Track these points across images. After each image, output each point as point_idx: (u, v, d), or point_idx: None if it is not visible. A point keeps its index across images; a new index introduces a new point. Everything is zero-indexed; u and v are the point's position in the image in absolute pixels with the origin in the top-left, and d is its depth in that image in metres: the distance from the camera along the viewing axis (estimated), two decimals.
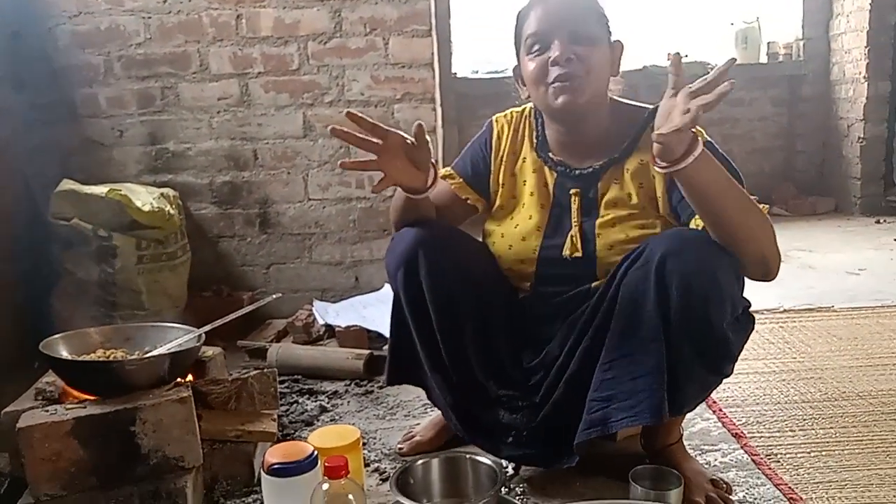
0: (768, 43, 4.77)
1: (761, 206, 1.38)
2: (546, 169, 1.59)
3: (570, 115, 1.49)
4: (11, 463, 1.49)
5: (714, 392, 1.89)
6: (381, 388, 2.09)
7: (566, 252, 1.51)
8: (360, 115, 1.43)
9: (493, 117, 1.68)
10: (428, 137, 1.45)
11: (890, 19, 4.29)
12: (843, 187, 4.61)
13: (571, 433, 1.42)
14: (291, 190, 2.72)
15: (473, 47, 4.88)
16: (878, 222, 4.23)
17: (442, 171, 1.68)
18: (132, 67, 2.62)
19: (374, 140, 1.44)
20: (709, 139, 1.43)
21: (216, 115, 2.67)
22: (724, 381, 1.45)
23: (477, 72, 4.66)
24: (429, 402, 1.88)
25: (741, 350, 1.41)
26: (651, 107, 1.53)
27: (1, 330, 2.22)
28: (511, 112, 1.67)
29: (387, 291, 2.64)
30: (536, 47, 1.47)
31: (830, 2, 4.65)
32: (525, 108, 1.66)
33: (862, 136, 4.40)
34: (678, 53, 1.25)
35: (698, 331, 1.30)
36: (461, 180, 1.67)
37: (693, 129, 1.25)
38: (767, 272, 1.37)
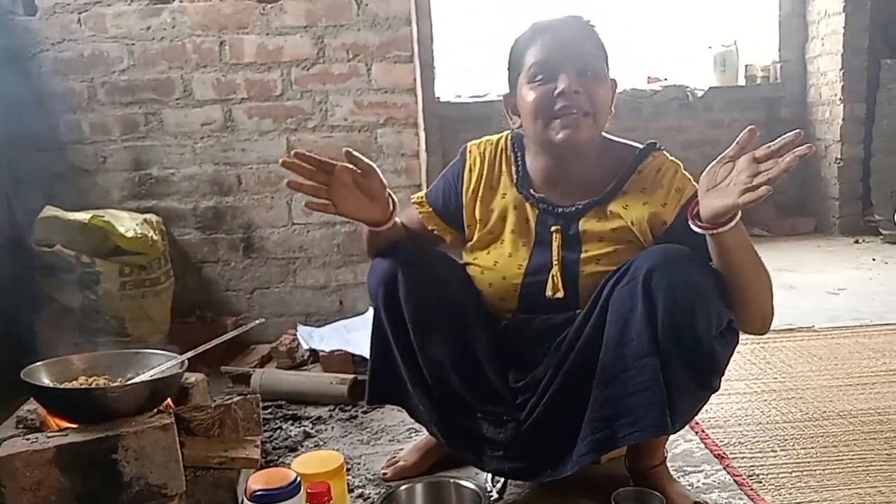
0: (746, 66, 4.85)
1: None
2: (527, 205, 1.55)
3: (567, 151, 1.46)
4: None
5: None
6: (365, 412, 2.08)
7: (548, 293, 1.50)
8: (306, 153, 1.43)
9: (467, 146, 1.65)
10: (374, 167, 1.45)
11: (863, 42, 4.38)
12: (823, 208, 4.67)
13: (557, 446, 1.44)
14: (275, 214, 2.73)
15: (457, 71, 4.94)
16: (856, 242, 4.29)
17: (415, 197, 1.68)
18: (115, 94, 2.63)
19: (323, 172, 1.44)
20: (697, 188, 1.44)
21: (200, 141, 2.68)
22: (708, 402, 1.47)
23: (460, 96, 4.70)
24: (413, 426, 1.89)
25: (727, 363, 1.43)
26: (640, 146, 1.53)
27: None
28: (485, 141, 1.64)
29: (371, 315, 2.65)
30: (540, 77, 1.44)
31: (806, 25, 4.75)
32: (501, 137, 1.63)
33: (839, 157, 4.48)
34: (754, 129, 1.27)
35: (687, 344, 1.32)
36: (430, 210, 1.65)
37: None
38: (763, 328, 1.42)
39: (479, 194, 1.60)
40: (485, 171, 1.60)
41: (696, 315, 1.30)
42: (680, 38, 5.10)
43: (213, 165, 2.69)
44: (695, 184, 1.45)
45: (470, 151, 1.64)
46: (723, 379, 1.44)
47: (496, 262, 1.56)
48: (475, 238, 1.60)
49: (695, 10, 5.10)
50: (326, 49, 2.65)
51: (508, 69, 1.54)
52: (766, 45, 4.89)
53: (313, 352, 2.44)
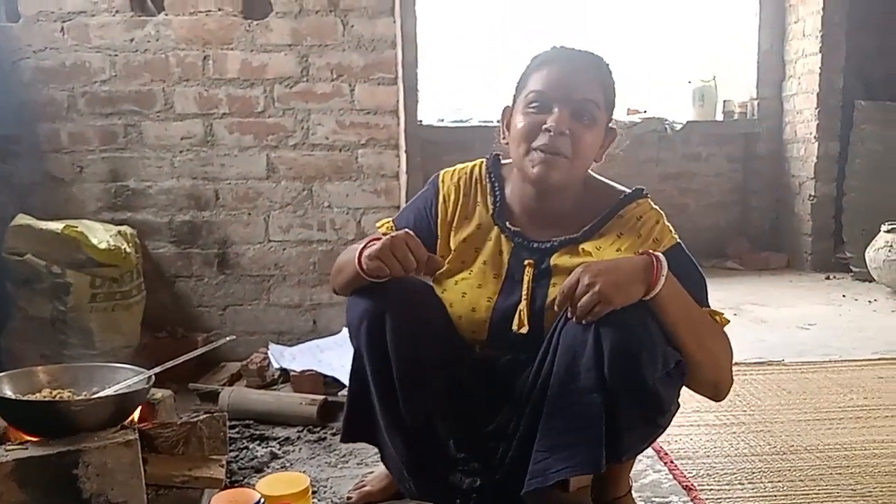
0: (724, 101, 4.94)
1: (721, 318, 1.43)
2: (503, 237, 1.53)
3: (539, 187, 1.46)
4: None
5: (665, 444, 1.93)
6: (334, 434, 2.06)
7: (514, 327, 1.47)
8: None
9: (439, 176, 1.61)
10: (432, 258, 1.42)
11: (838, 82, 4.48)
12: (795, 243, 4.74)
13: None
14: (252, 231, 2.71)
15: (440, 96, 4.98)
16: (828, 278, 4.35)
17: (381, 223, 1.63)
18: (96, 104, 2.62)
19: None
20: (677, 240, 1.47)
21: (179, 154, 2.66)
22: (676, 433, 1.47)
23: (442, 120, 4.74)
24: None
25: (675, 402, 1.42)
26: (627, 191, 1.52)
27: None
28: (458, 170, 1.60)
29: (345, 335, 2.63)
30: (535, 105, 1.42)
31: (784, 64, 4.84)
32: (475, 165, 1.61)
33: (813, 193, 4.55)
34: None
35: (632, 384, 1.30)
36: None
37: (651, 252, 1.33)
38: (717, 395, 1.44)
39: (454, 224, 1.57)
40: (460, 201, 1.57)
41: (641, 357, 1.28)
42: (660, 72, 5.18)
43: (192, 180, 2.68)
44: (674, 235, 1.47)
45: (443, 181, 1.60)
46: (692, 411, 1.44)
47: (464, 294, 1.53)
48: (444, 267, 1.56)
49: (675, 44, 5.19)
50: (311, 68, 2.66)
51: (517, 83, 1.50)
52: (745, 81, 4.99)
53: (284, 371, 2.43)
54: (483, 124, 4.72)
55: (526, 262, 1.50)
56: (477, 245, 1.55)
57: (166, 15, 2.60)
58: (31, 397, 1.49)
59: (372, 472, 1.77)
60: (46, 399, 1.49)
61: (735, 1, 4.98)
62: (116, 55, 2.61)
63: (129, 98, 2.63)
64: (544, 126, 1.41)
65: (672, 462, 1.88)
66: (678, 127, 4.74)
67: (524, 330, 1.46)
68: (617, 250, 1.45)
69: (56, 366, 1.66)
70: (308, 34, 2.64)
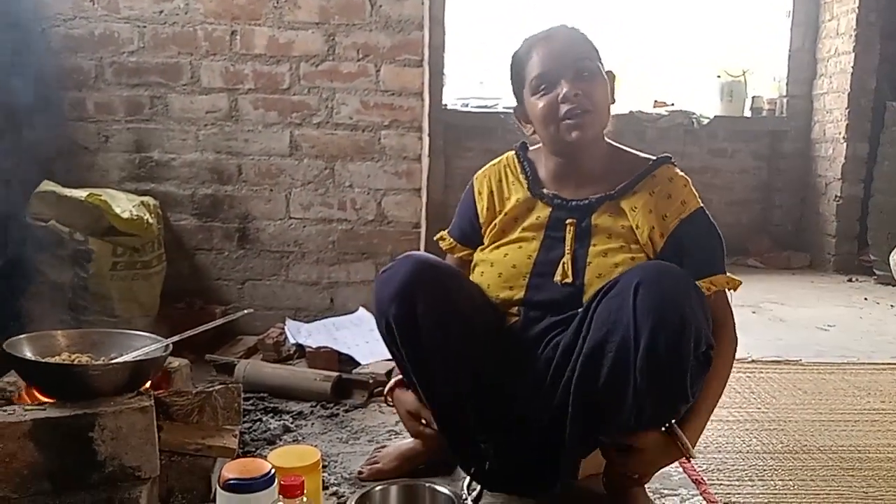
0: (753, 97, 4.87)
1: (732, 282, 1.52)
2: (540, 203, 1.61)
3: (579, 149, 1.55)
4: None
5: None
6: (346, 411, 2.08)
7: (557, 278, 1.53)
8: None
9: (474, 177, 1.73)
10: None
11: (870, 83, 4.41)
12: (818, 244, 4.69)
13: (549, 469, 1.45)
14: (273, 207, 2.72)
15: (466, 80, 4.95)
16: (850, 280, 4.30)
17: (438, 236, 1.77)
18: (123, 74, 2.63)
19: None
20: (700, 205, 1.54)
21: (203, 128, 2.67)
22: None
23: (467, 105, 4.71)
24: (394, 428, 1.91)
25: (698, 388, 1.42)
26: (654, 158, 1.59)
27: None
28: (489, 168, 1.72)
29: (360, 315, 2.65)
30: (543, 87, 1.53)
31: (815, 62, 4.77)
32: (503, 159, 1.71)
33: (839, 194, 4.49)
34: None
35: (665, 363, 1.31)
36: (454, 243, 1.73)
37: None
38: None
39: (496, 210, 1.67)
40: (494, 189, 1.68)
41: (680, 335, 1.31)
42: (689, 65, 5.12)
43: (215, 153, 2.69)
44: (698, 200, 1.54)
45: (477, 179, 1.73)
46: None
47: (506, 255, 1.61)
48: (487, 240, 1.66)
49: (706, 37, 5.13)
50: (337, 47, 2.65)
51: (512, 83, 1.63)
52: (774, 78, 4.92)
53: (299, 347, 2.44)
54: (507, 110, 4.70)
55: (568, 221, 1.57)
56: (517, 216, 1.64)
57: None
58: (51, 360, 1.52)
59: (384, 448, 1.78)
60: (65, 362, 1.51)
61: None
62: (145, 26, 2.62)
63: (156, 70, 2.64)
64: (559, 97, 1.50)
65: None
66: (705, 121, 4.69)
67: (568, 280, 1.52)
68: (650, 212, 1.52)
69: (75, 330, 1.69)
70: (336, 12, 2.63)
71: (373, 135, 2.70)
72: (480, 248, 1.68)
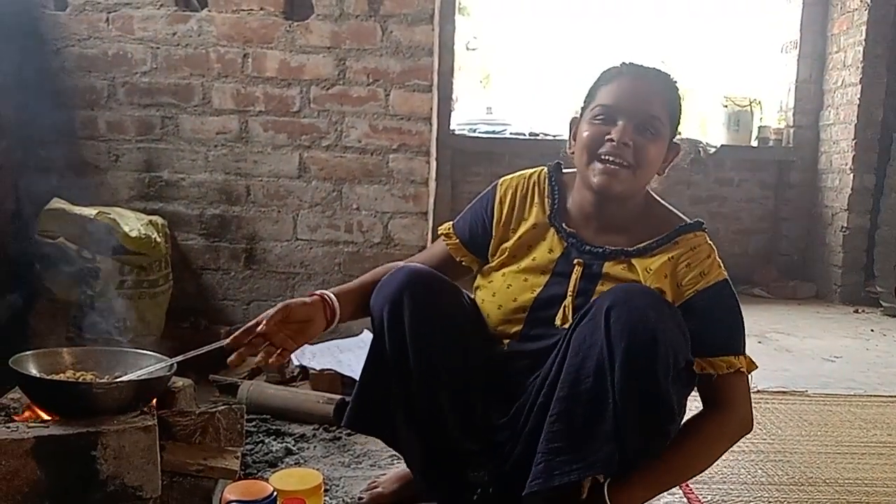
0: (759, 127, 4.90)
1: (746, 363, 1.45)
2: (556, 237, 1.55)
3: (601, 196, 1.48)
4: None
5: None
6: (349, 435, 2.07)
7: (557, 321, 1.48)
8: (238, 334, 1.50)
9: (500, 180, 1.65)
10: (286, 303, 1.50)
11: (877, 115, 4.43)
12: (825, 274, 4.68)
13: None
14: (280, 228, 2.73)
15: (474, 106, 4.99)
16: (856, 311, 4.28)
17: (442, 228, 1.68)
18: (135, 94, 2.66)
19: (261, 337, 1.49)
20: (725, 277, 1.47)
21: (213, 149, 2.70)
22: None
23: (474, 130, 4.75)
24: (396, 454, 1.88)
25: (683, 408, 1.41)
26: (688, 220, 1.52)
27: None
28: (518, 176, 1.63)
29: (365, 337, 2.64)
30: (602, 117, 1.45)
31: (822, 93, 4.80)
32: (535, 172, 1.63)
33: (846, 225, 4.49)
34: None
35: (643, 382, 1.30)
36: (458, 241, 1.65)
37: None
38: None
39: (511, 226, 1.60)
40: (516, 203, 1.60)
41: (654, 354, 1.28)
42: (696, 93, 5.15)
43: (224, 174, 2.71)
44: (723, 271, 1.46)
45: (501, 184, 1.64)
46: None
47: (510, 285, 1.55)
48: (494, 261, 1.59)
49: (713, 66, 5.16)
50: (347, 71, 2.68)
51: (585, 95, 1.54)
52: (781, 108, 4.94)
53: (303, 369, 2.43)
54: (515, 136, 4.73)
55: (576, 260, 1.51)
56: (530, 243, 1.57)
57: (209, 11, 2.64)
58: (55, 377, 1.52)
59: (385, 475, 1.76)
60: (70, 380, 1.51)
61: (775, 30, 4.94)
62: (158, 48, 2.65)
63: (168, 90, 2.67)
64: (608, 136, 1.44)
65: (688, 485, 1.85)
66: (712, 150, 4.71)
67: (567, 325, 1.45)
68: (665, 277, 1.45)
69: (80, 348, 1.69)
70: (347, 37, 2.66)
71: (381, 158, 2.71)
72: (485, 271, 1.62)
